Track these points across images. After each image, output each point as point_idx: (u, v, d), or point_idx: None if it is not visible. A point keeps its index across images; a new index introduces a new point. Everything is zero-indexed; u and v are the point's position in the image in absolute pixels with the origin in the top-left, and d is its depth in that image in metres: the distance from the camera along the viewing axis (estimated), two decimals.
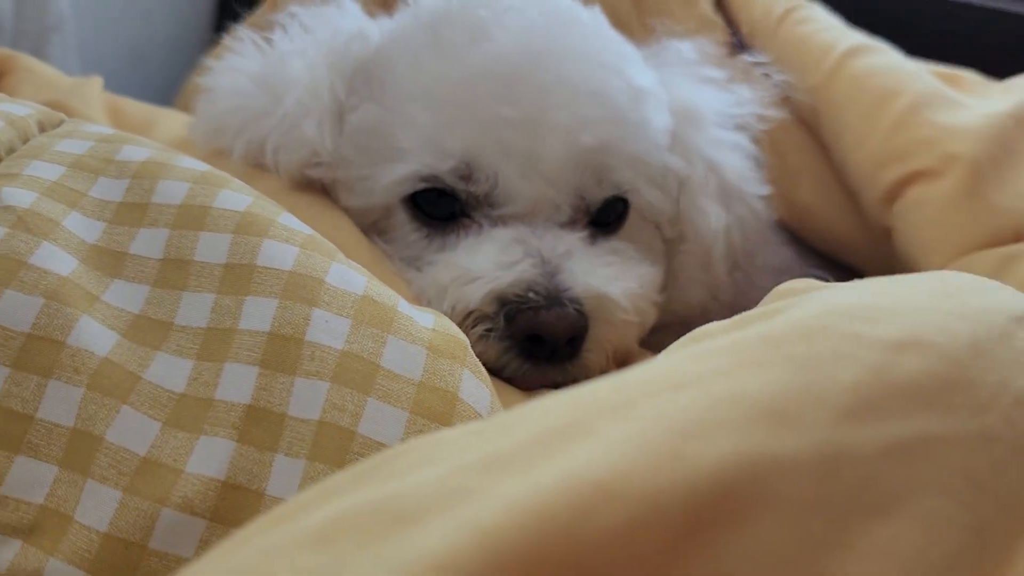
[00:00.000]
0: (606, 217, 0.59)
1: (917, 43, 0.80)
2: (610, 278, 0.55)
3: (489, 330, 0.51)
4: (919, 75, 0.68)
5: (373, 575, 0.18)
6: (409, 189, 0.55)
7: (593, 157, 0.55)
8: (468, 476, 0.21)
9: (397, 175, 0.55)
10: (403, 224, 0.57)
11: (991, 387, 0.25)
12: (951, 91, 0.68)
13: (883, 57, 0.70)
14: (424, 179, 0.54)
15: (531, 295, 0.51)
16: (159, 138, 0.63)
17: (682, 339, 0.34)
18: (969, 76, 0.75)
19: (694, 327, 0.73)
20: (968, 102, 0.67)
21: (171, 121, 0.65)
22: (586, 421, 0.23)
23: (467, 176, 0.54)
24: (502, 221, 0.55)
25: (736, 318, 0.33)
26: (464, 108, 0.54)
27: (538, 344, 0.51)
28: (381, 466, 0.25)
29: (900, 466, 0.23)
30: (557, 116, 0.53)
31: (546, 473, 0.20)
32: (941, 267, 0.58)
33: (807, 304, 0.28)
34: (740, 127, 0.68)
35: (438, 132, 0.54)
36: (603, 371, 0.54)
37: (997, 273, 0.55)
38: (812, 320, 0.26)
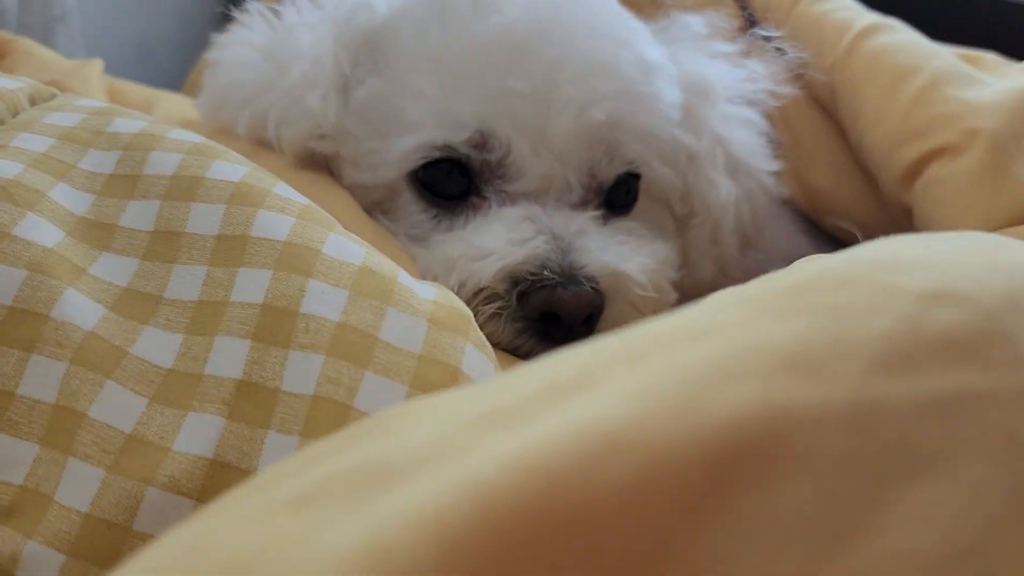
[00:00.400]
0: (618, 199, 0.57)
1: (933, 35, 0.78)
2: (625, 255, 0.53)
3: (500, 309, 0.49)
4: (937, 52, 0.66)
5: (352, 533, 0.16)
6: (420, 160, 0.53)
7: (604, 132, 0.54)
8: (463, 432, 0.19)
9: (408, 146, 0.53)
10: (409, 204, 0.55)
11: None
12: (971, 68, 0.66)
13: (900, 35, 0.68)
14: (437, 148, 0.53)
15: (545, 273, 0.49)
16: (158, 117, 0.61)
17: (697, 304, 0.32)
18: (988, 56, 0.73)
19: None
20: (988, 79, 0.65)
21: (170, 103, 0.64)
22: (594, 373, 0.21)
23: (481, 144, 0.52)
24: (511, 200, 0.53)
25: (752, 281, 0.31)
26: (474, 80, 0.52)
27: (553, 324, 0.49)
28: (375, 428, 0.23)
29: (938, 423, 0.20)
30: (567, 90, 0.52)
31: (547, 425, 0.18)
32: None
33: (833, 258, 0.26)
34: (751, 102, 0.66)
35: (449, 103, 0.52)
36: None
37: None
38: (839, 269, 0.24)
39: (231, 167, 0.42)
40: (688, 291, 0.63)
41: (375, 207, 0.56)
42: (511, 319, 0.49)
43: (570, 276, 0.49)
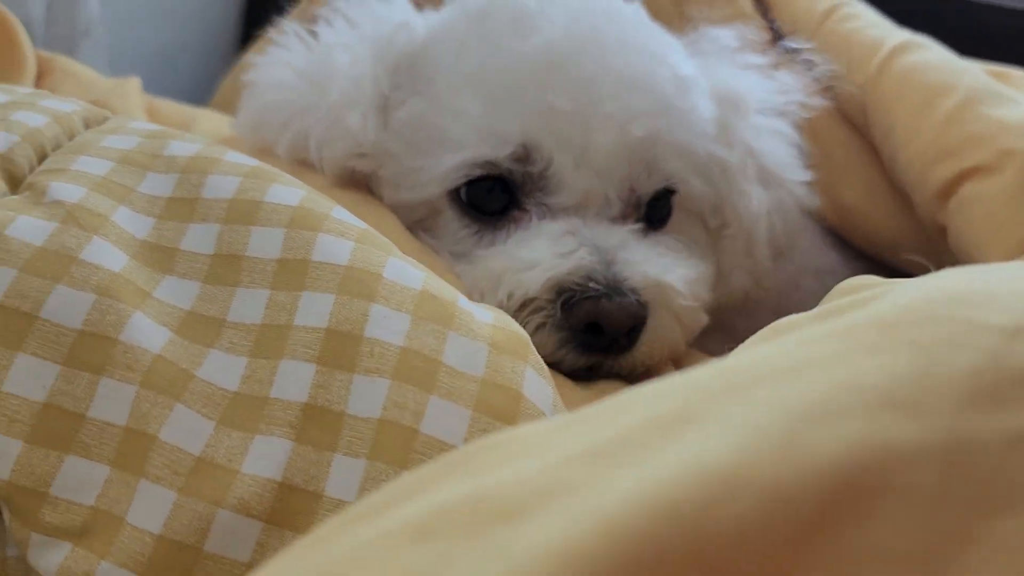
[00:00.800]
0: (655, 213, 0.58)
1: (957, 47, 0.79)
2: (667, 267, 0.54)
3: (545, 319, 0.50)
4: (969, 71, 0.66)
5: (487, 569, 0.17)
6: (464, 178, 0.54)
7: (643, 148, 0.54)
8: (573, 468, 0.20)
9: (451, 163, 0.54)
10: (451, 221, 0.56)
11: None
12: (1003, 86, 0.67)
13: (932, 53, 0.69)
14: (479, 166, 0.54)
15: (591, 284, 0.50)
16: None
17: (763, 332, 0.32)
18: (1017, 73, 0.74)
19: (734, 327, 0.72)
20: (1019, 98, 0.66)
21: (208, 121, 0.65)
22: (696, 407, 0.21)
23: (524, 158, 0.53)
24: (552, 214, 0.54)
25: (820, 309, 0.31)
26: (515, 97, 0.53)
27: (597, 335, 0.50)
28: (466, 461, 0.24)
29: None
30: (607, 107, 0.53)
31: (665, 462, 0.19)
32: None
33: (910, 290, 0.27)
34: (782, 114, 0.67)
35: (492, 120, 0.53)
36: (657, 367, 0.53)
37: None
38: (922, 305, 0.24)
39: (288, 191, 0.43)
40: (723, 301, 0.64)
41: (416, 225, 0.57)
42: (555, 329, 0.50)
43: (615, 287, 0.50)
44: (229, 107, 0.97)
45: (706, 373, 0.24)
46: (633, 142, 0.54)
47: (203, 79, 1.55)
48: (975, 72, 0.66)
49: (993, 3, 1.30)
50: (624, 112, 0.53)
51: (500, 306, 0.51)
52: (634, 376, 0.53)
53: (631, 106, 0.53)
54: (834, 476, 0.19)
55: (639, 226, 0.56)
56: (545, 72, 0.53)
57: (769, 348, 0.24)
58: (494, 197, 0.55)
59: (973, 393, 0.22)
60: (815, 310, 0.32)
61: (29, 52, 0.66)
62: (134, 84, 0.66)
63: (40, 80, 0.66)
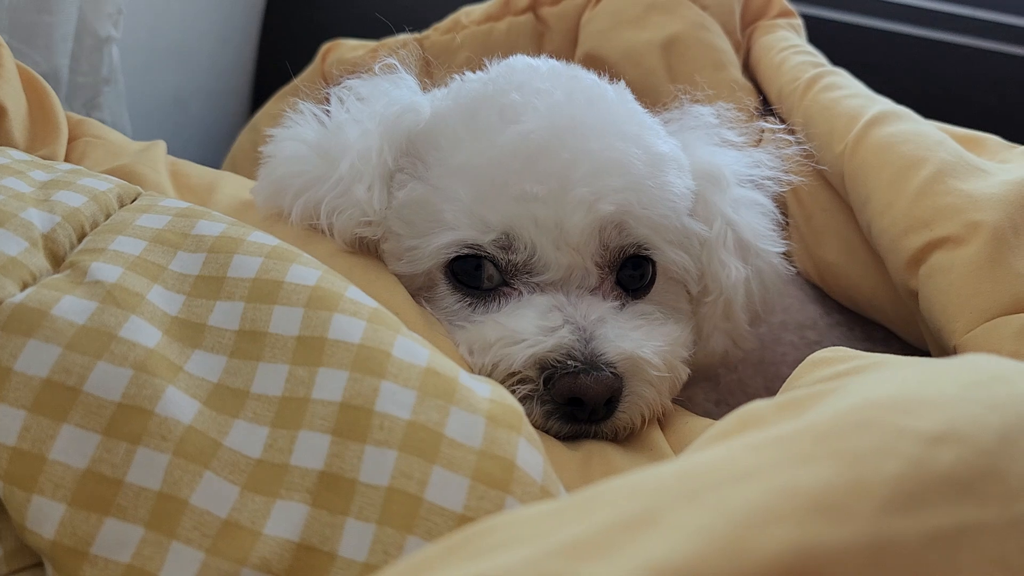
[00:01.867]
0: (634, 283, 0.63)
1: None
2: (640, 340, 0.58)
3: (531, 392, 0.55)
4: (943, 143, 0.71)
5: None
6: (452, 254, 0.59)
7: (613, 218, 0.59)
8: (554, 561, 0.24)
9: (442, 241, 0.59)
10: (446, 294, 0.61)
11: (1019, 476, 0.28)
12: (974, 157, 0.70)
13: (908, 125, 0.73)
14: (467, 246, 0.59)
15: (569, 361, 0.54)
16: (221, 200, 0.67)
17: (730, 418, 0.36)
18: (991, 139, 0.78)
19: (718, 379, 0.75)
20: (990, 168, 0.70)
21: (230, 185, 0.69)
22: (657, 510, 0.25)
23: (507, 247, 0.58)
24: (539, 288, 0.59)
25: (782, 400, 0.35)
26: (498, 185, 0.58)
27: (578, 406, 0.55)
28: (467, 543, 0.28)
29: (942, 555, 0.25)
30: (579, 190, 0.57)
31: (628, 561, 0.23)
32: (965, 331, 0.60)
33: (849, 395, 0.31)
34: (759, 186, 0.71)
35: (478, 206, 0.58)
36: (636, 428, 0.57)
37: (1020, 338, 0.57)
38: (855, 414, 0.28)
39: (307, 271, 0.47)
40: (703, 363, 0.68)
41: (418, 292, 0.61)
42: (540, 402, 0.55)
43: (592, 363, 0.55)
44: (245, 159, 1.02)
45: (668, 473, 0.28)
46: (603, 217, 0.58)
47: (216, 123, 1.60)
48: (948, 144, 0.71)
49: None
50: (595, 193, 0.57)
51: (487, 371, 0.55)
52: (618, 438, 0.57)
53: (602, 186, 0.58)
54: (774, 574, 0.23)
55: (619, 302, 0.61)
56: (523, 161, 0.58)
57: (725, 450, 0.28)
58: (482, 275, 0.60)
59: (896, 497, 0.26)
60: (779, 398, 0.36)
61: (62, 117, 0.70)
62: (160, 149, 0.71)
63: (70, 144, 0.71)
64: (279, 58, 1.67)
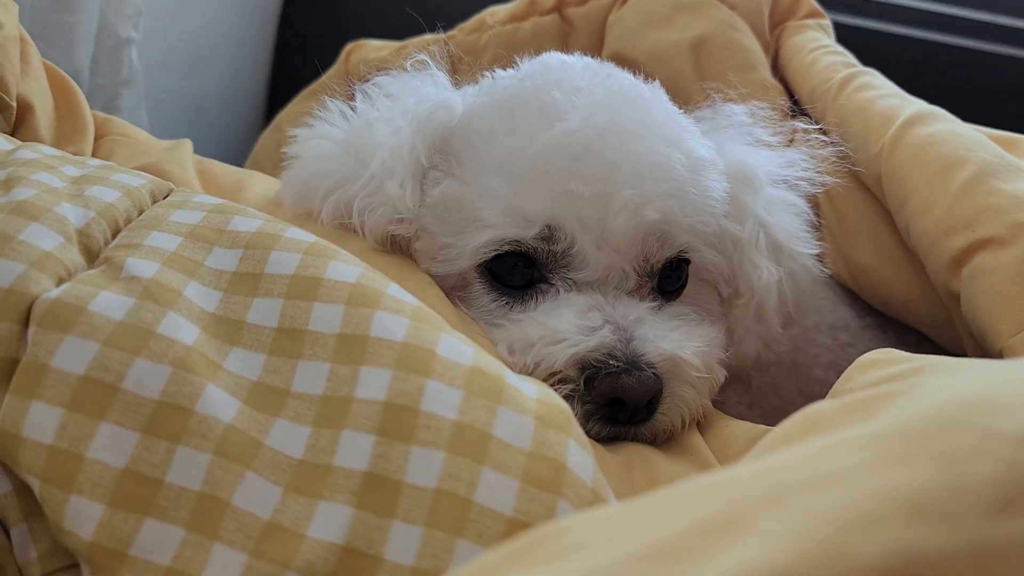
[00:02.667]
0: (670, 284, 0.62)
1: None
2: (679, 341, 0.57)
3: (572, 392, 0.54)
4: (982, 143, 0.69)
5: None
6: (490, 253, 0.58)
7: (656, 227, 0.59)
8: (637, 566, 0.23)
9: (480, 240, 0.58)
10: (481, 293, 0.60)
11: None
12: (1013, 158, 0.69)
13: (946, 124, 0.72)
14: (507, 243, 0.58)
15: (611, 361, 0.53)
16: (250, 199, 0.66)
17: (792, 421, 0.35)
18: None
19: (750, 381, 0.74)
20: None
21: (258, 184, 0.68)
22: (741, 513, 0.24)
23: (548, 238, 0.58)
24: (576, 287, 0.58)
25: (846, 401, 0.34)
26: (540, 182, 0.57)
27: (619, 407, 0.54)
28: (534, 548, 0.26)
29: None
30: (624, 193, 0.57)
31: (719, 568, 0.22)
32: (1012, 333, 0.59)
33: (927, 395, 0.30)
34: (793, 187, 0.70)
35: (519, 202, 0.57)
36: (676, 430, 0.56)
37: None
38: (943, 414, 0.27)
39: (346, 268, 0.46)
40: (734, 365, 0.67)
41: (451, 292, 0.60)
42: (581, 402, 0.54)
43: (633, 363, 0.54)
44: (268, 160, 1.01)
45: (746, 475, 0.26)
46: (648, 223, 0.58)
47: (232, 125, 1.60)
48: (988, 145, 0.69)
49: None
50: (640, 197, 0.57)
51: (528, 371, 0.54)
52: (658, 441, 0.56)
53: (647, 191, 0.57)
54: None
55: (656, 303, 0.60)
56: (567, 160, 0.57)
57: (802, 453, 0.27)
58: (519, 273, 0.59)
59: (993, 500, 0.24)
60: (842, 400, 0.35)
61: (88, 115, 0.69)
62: (187, 147, 0.70)
63: (97, 142, 0.70)
64: (295, 61, 1.67)
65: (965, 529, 0.23)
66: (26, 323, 0.41)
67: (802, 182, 0.71)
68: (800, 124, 0.75)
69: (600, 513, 0.28)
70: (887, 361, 0.48)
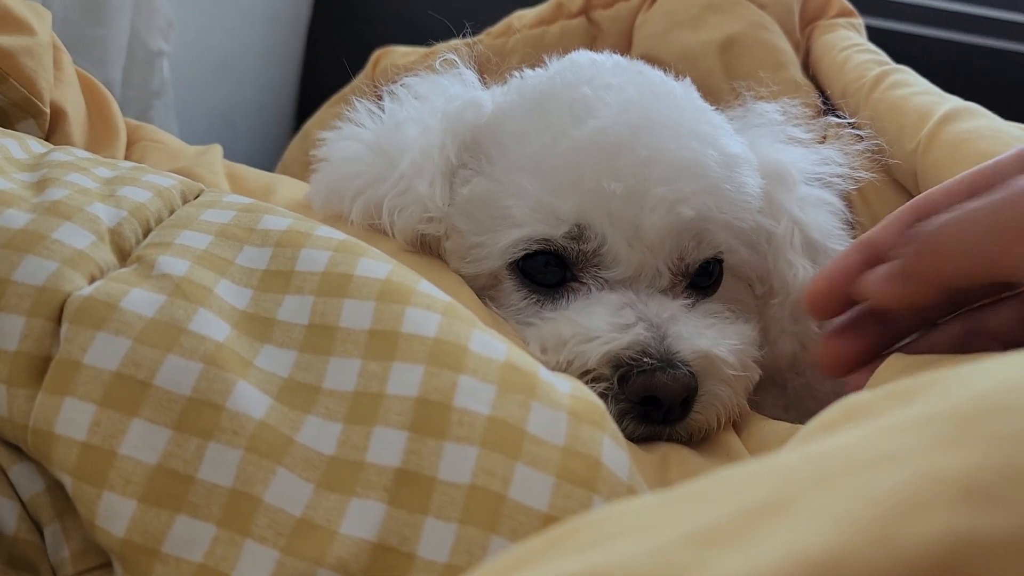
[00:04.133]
0: (703, 281, 0.61)
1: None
2: (714, 338, 0.56)
3: (606, 391, 0.53)
4: (1021, 139, 0.68)
5: None
6: (521, 252, 0.58)
7: (692, 226, 0.58)
8: (679, 551, 0.22)
9: (510, 239, 0.57)
10: (512, 291, 0.59)
11: None
12: None
13: (983, 120, 0.71)
14: (536, 241, 0.57)
15: (645, 359, 0.52)
16: (279, 202, 0.66)
17: (833, 409, 0.34)
18: None
19: (785, 383, 0.73)
20: None
21: (287, 188, 0.68)
22: (789, 496, 0.23)
23: (578, 236, 0.57)
24: (608, 285, 0.57)
25: (890, 389, 0.33)
26: (571, 179, 0.57)
27: (654, 406, 0.53)
28: (572, 535, 0.26)
29: None
30: (658, 190, 0.56)
31: (765, 551, 0.21)
32: None
33: (975, 381, 0.28)
34: (827, 184, 0.69)
35: (549, 199, 0.56)
36: (711, 430, 0.55)
37: None
38: (993, 397, 0.26)
39: (376, 264, 0.45)
40: (769, 366, 0.66)
41: (481, 291, 0.60)
42: (615, 401, 0.53)
43: (668, 361, 0.53)
44: (297, 166, 1.02)
45: (793, 460, 0.25)
46: (683, 221, 0.57)
47: (261, 137, 1.61)
48: None
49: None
50: (674, 194, 0.56)
51: (561, 368, 0.53)
52: (693, 440, 0.55)
53: (681, 188, 0.56)
54: (929, 564, 0.21)
55: (690, 300, 0.59)
56: (599, 157, 0.56)
57: (849, 437, 0.26)
58: (550, 271, 0.59)
59: None
60: (882, 390, 0.34)
61: (120, 122, 0.70)
62: (216, 152, 0.70)
63: (129, 148, 0.70)
64: (323, 72, 1.68)
65: (1019, 512, 0.22)
66: (59, 320, 0.41)
67: (836, 179, 0.69)
68: (833, 120, 0.74)
69: (639, 501, 0.27)
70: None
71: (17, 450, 0.42)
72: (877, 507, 0.22)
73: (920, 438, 0.25)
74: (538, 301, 0.59)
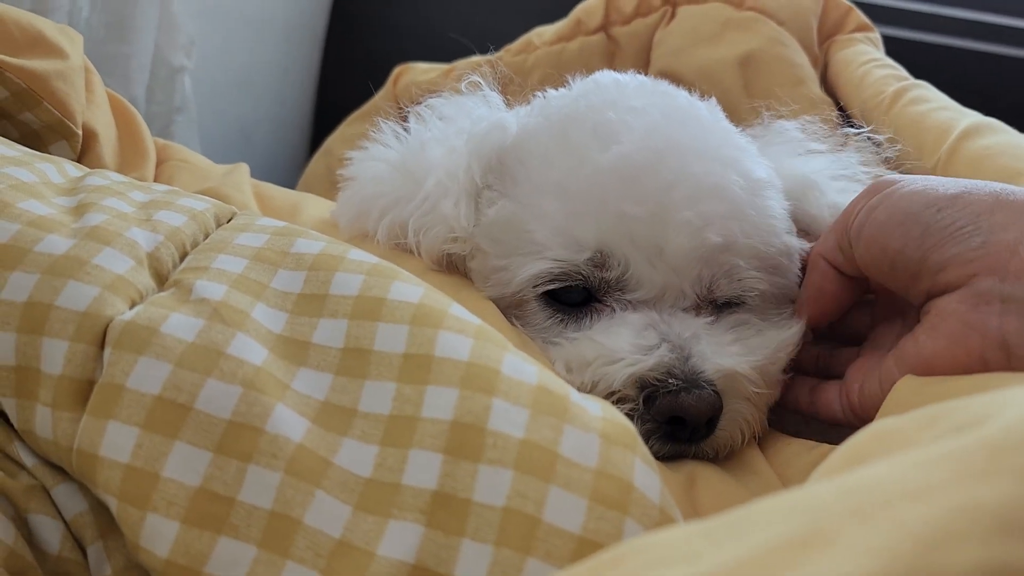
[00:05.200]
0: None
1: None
2: (738, 355, 0.56)
3: (631, 412, 0.53)
4: None
5: None
6: (544, 288, 0.58)
7: (718, 253, 0.58)
8: None
9: (533, 271, 0.58)
10: (537, 312, 0.60)
11: None
12: None
13: (1002, 136, 0.71)
14: (557, 277, 0.58)
15: (670, 380, 0.53)
16: (306, 222, 0.67)
17: (862, 436, 0.34)
18: None
19: None
20: None
21: (313, 207, 0.69)
22: (825, 529, 0.24)
23: (600, 264, 0.57)
24: (632, 306, 0.58)
25: (921, 416, 0.33)
26: (594, 203, 0.57)
27: (679, 425, 0.53)
28: (618, 563, 0.26)
29: None
30: (682, 213, 0.56)
31: None
32: None
33: (1012, 409, 0.29)
34: (855, 182, 0.69)
35: (571, 224, 0.57)
36: (736, 446, 0.56)
37: None
38: None
39: (409, 288, 0.46)
40: None
41: (507, 311, 0.60)
42: (640, 421, 0.53)
43: (693, 381, 0.54)
44: (318, 183, 1.03)
45: (829, 491, 0.26)
46: (709, 246, 0.57)
47: (279, 152, 1.63)
48: None
49: None
50: (700, 218, 0.56)
51: (586, 389, 0.54)
52: (719, 457, 0.56)
53: (706, 212, 0.56)
54: None
55: (712, 317, 0.59)
56: (622, 181, 0.57)
57: (883, 469, 0.27)
58: (575, 293, 0.59)
59: None
60: (912, 415, 0.34)
61: (150, 141, 0.71)
62: (244, 172, 0.71)
63: (158, 168, 0.72)
64: (340, 88, 1.70)
65: None
66: (102, 345, 0.42)
67: (860, 180, 0.70)
68: (851, 130, 0.74)
69: (679, 531, 0.28)
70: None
71: (60, 471, 0.43)
72: (914, 540, 0.23)
73: (953, 471, 0.25)
74: (563, 321, 0.59)
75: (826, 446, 0.54)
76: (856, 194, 0.68)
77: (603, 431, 0.41)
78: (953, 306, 0.47)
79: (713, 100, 0.66)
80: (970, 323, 0.46)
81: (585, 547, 0.38)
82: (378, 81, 1.09)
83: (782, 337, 0.60)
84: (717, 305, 0.61)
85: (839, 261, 0.57)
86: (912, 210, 0.50)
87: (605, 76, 0.66)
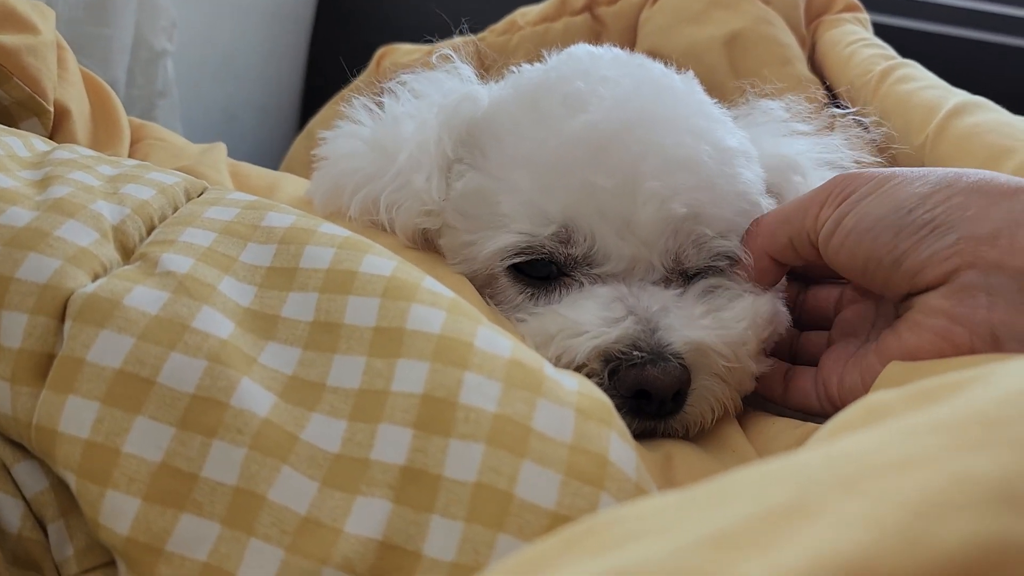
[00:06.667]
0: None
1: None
2: (708, 327, 0.55)
3: (596, 385, 0.52)
4: None
5: None
6: (509, 261, 0.57)
7: (687, 224, 0.56)
8: (700, 553, 0.22)
9: (498, 246, 0.56)
10: (507, 287, 0.59)
11: None
12: None
13: (990, 114, 0.70)
14: (522, 251, 0.57)
15: (635, 352, 0.52)
16: (282, 200, 0.66)
17: (854, 409, 0.33)
18: None
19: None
20: None
21: (291, 185, 0.68)
22: (811, 498, 0.23)
23: (566, 240, 0.56)
24: (600, 279, 0.56)
25: (914, 390, 0.32)
26: (561, 175, 0.56)
27: (645, 400, 0.52)
28: (588, 536, 0.25)
29: None
30: (650, 184, 0.55)
31: (792, 553, 0.20)
32: None
33: (1007, 381, 0.28)
34: (837, 168, 0.68)
35: (539, 197, 0.56)
36: (707, 423, 0.55)
37: None
38: (1022, 400, 0.26)
39: (381, 261, 0.45)
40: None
41: (480, 289, 0.59)
42: (607, 395, 0.52)
43: (658, 353, 0.52)
44: (300, 165, 1.01)
45: (813, 460, 0.25)
46: (675, 217, 0.55)
47: (264, 136, 1.61)
48: None
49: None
50: (667, 189, 0.55)
51: (550, 362, 0.53)
52: (691, 434, 0.55)
53: (674, 183, 0.55)
54: (960, 568, 0.20)
55: (682, 288, 0.58)
56: (590, 152, 0.55)
57: (871, 438, 0.25)
58: (542, 266, 0.58)
59: None
60: (905, 390, 0.33)
61: (124, 120, 0.70)
62: (220, 150, 0.70)
63: (133, 146, 0.70)
64: (327, 71, 1.68)
65: None
66: (62, 318, 0.41)
67: (843, 166, 0.69)
68: (837, 111, 0.73)
69: (655, 501, 0.26)
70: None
71: (21, 448, 0.42)
72: (905, 510, 0.21)
73: (945, 441, 0.24)
74: (532, 296, 0.58)
75: (812, 424, 0.52)
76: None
77: (578, 405, 0.40)
78: (937, 302, 0.46)
79: (690, 72, 0.64)
80: (956, 317, 0.45)
81: (559, 523, 0.37)
82: (366, 64, 1.08)
83: (756, 308, 0.58)
84: (688, 276, 0.59)
85: (788, 257, 0.56)
86: (881, 214, 0.48)
87: (580, 48, 0.65)
